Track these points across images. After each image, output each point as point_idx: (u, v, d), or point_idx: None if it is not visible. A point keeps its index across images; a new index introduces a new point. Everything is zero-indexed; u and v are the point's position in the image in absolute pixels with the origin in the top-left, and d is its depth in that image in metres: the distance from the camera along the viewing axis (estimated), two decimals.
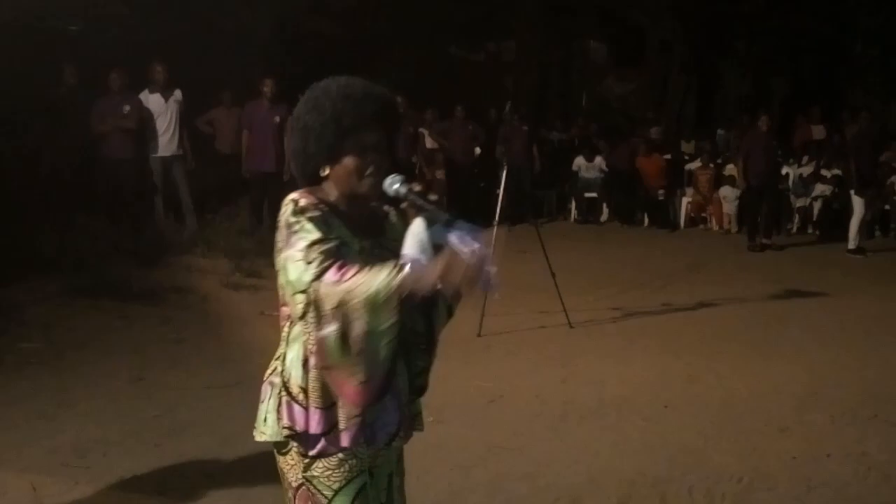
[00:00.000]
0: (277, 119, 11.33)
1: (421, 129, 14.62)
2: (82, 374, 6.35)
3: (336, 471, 2.45)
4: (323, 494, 2.45)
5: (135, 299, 8.24)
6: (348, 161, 2.47)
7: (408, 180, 2.47)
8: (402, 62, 17.98)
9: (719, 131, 17.95)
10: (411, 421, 2.59)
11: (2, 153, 10.54)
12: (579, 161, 15.88)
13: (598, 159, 15.84)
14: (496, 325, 7.72)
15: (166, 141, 11.03)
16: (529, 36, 20.38)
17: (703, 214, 14.99)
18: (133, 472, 4.72)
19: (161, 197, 11.10)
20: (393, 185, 2.45)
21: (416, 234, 2.39)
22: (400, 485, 2.68)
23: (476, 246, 2.32)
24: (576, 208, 15.82)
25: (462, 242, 2.33)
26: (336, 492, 2.45)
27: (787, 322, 8.45)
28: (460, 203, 14.85)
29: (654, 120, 18.50)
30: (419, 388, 2.61)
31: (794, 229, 14.45)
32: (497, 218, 8.09)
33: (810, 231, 14.25)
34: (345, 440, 2.40)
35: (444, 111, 15.23)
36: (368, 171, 2.48)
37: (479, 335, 7.60)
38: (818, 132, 16.26)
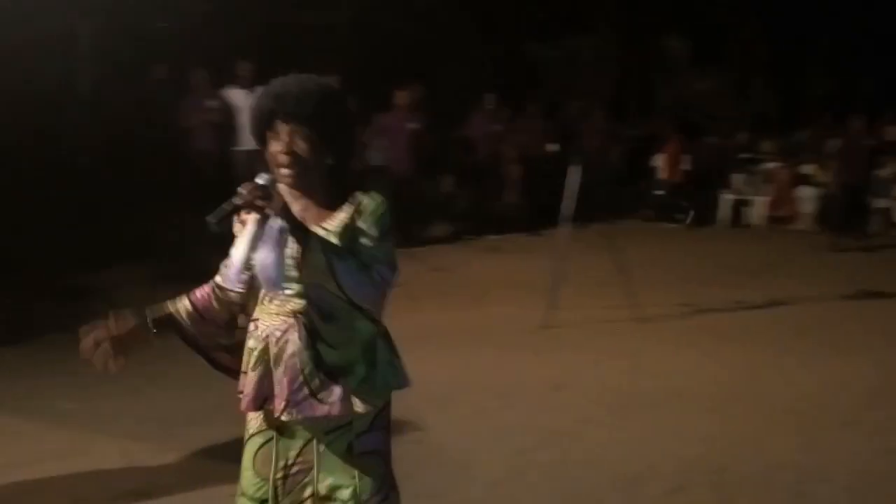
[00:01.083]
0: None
1: (496, 126, 14.80)
2: (169, 353, 6.64)
3: (250, 422, 2.81)
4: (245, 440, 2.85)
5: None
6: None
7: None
8: (479, 60, 18.17)
9: (799, 131, 17.78)
10: (318, 397, 2.70)
11: (95, 146, 11.06)
12: (657, 160, 15.90)
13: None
14: (564, 317, 7.92)
15: (249, 135, 11.40)
16: (607, 32, 20.39)
17: (781, 214, 14.92)
18: (215, 442, 5.00)
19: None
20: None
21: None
22: (337, 453, 2.77)
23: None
24: (652, 206, 15.85)
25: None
26: (247, 439, 2.83)
27: (860, 321, 8.48)
28: (534, 199, 15.06)
29: (735, 118, 18.39)
30: (328, 369, 2.72)
31: (874, 230, 14.30)
32: (566, 214, 8.24)
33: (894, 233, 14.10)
34: (242, 403, 2.76)
35: (520, 108, 15.40)
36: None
37: (547, 326, 7.80)
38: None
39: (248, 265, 2.67)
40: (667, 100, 22.48)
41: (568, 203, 8.30)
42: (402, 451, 4.93)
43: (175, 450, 4.94)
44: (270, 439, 2.77)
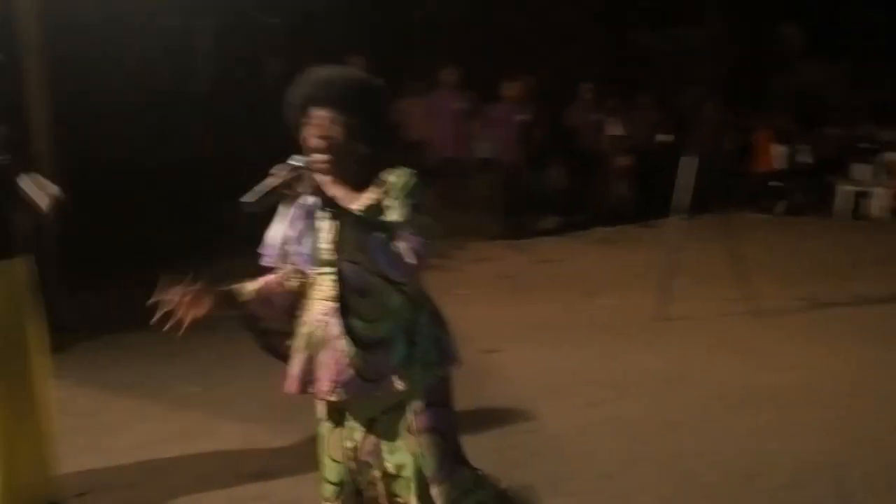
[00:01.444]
0: (463, 106, 11.79)
1: (605, 116, 14.70)
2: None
3: (318, 410, 2.99)
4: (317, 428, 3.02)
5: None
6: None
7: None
8: (589, 51, 18.05)
9: None
10: (364, 376, 2.79)
11: (212, 141, 11.39)
12: (772, 151, 15.57)
13: (792, 149, 15.46)
14: (679, 309, 7.83)
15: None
16: (719, 21, 20.00)
17: None
18: None
19: None
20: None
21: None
22: (396, 433, 2.87)
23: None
24: (767, 197, 15.54)
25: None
26: (319, 427, 3.00)
27: None
28: (644, 190, 14.92)
29: (853, 107, 17.85)
30: (365, 345, 2.80)
31: None
32: (679, 205, 8.15)
33: None
34: (286, 383, 2.91)
35: (631, 98, 15.26)
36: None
37: (661, 319, 7.74)
38: None
39: (284, 244, 2.78)
40: (782, 89, 21.98)
41: (681, 194, 8.20)
42: (516, 441, 5.05)
43: (294, 433, 5.07)
44: (337, 425, 2.93)
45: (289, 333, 2.96)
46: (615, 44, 19.24)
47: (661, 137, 15.12)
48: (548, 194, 14.23)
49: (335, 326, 2.79)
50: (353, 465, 2.91)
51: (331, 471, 2.97)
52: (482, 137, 13.03)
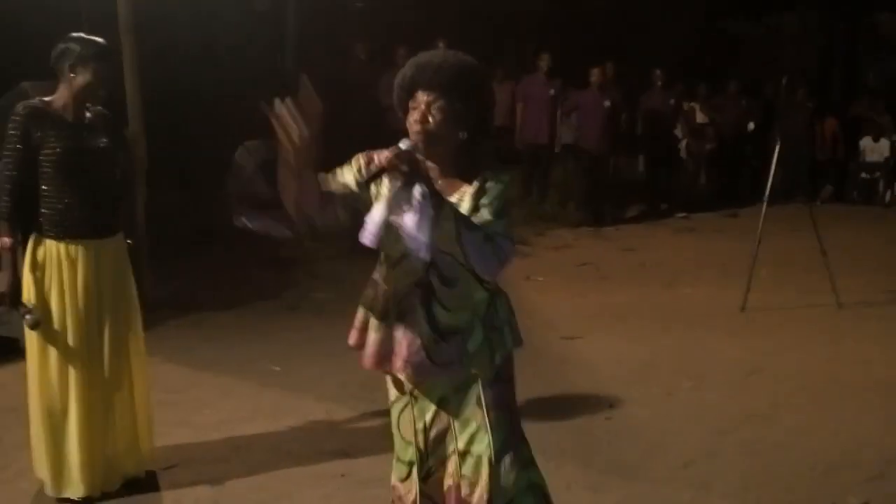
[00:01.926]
0: (552, 92, 11.73)
1: (692, 103, 14.52)
2: None
3: (390, 390, 3.06)
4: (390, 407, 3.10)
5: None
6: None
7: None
8: (678, 37, 17.84)
9: None
10: (434, 360, 2.84)
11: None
12: (865, 142, 15.21)
13: (884, 142, 15.09)
14: (762, 301, 7.73)
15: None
16: (811, 8, 19.60)
17: None
18: None
19: None
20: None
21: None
22: (469, 411, 2.92)
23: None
24: (857, 189, 15.21)
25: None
26: (391, 406, 3.07)
27: None
28: (729, 179, 14.72)
29: None
30: (442, 332, 2.85)
31: None
32: (767, 195, 8.03)
33: None
34: (363, 359, 2.98)
35: (719, 86, 15.04)
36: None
37: (742, 309, 7.65)
38: None
39: (385, 226, 2.73)
40: (875, 79, 21.43)
41: (768, 183, 8.07)
42: (593, 426, 5.07)
43: (374, 412, 5.15)
44: (408, 404, 2.99)
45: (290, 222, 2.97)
46: (705, 31, 19.00)
47: (748, 126, 14.88)
48: (633, 181, 14.14)
49: (413, 307, 2.85)
50: (423, 444, 2.97)
51: (403, 451, 3.03)
52: (567, 124, 12.99)
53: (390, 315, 2.90)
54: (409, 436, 2.99)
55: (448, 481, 2.97)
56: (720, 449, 4.84)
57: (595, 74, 12.15)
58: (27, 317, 3.94)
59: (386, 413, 5.14)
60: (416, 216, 2.67)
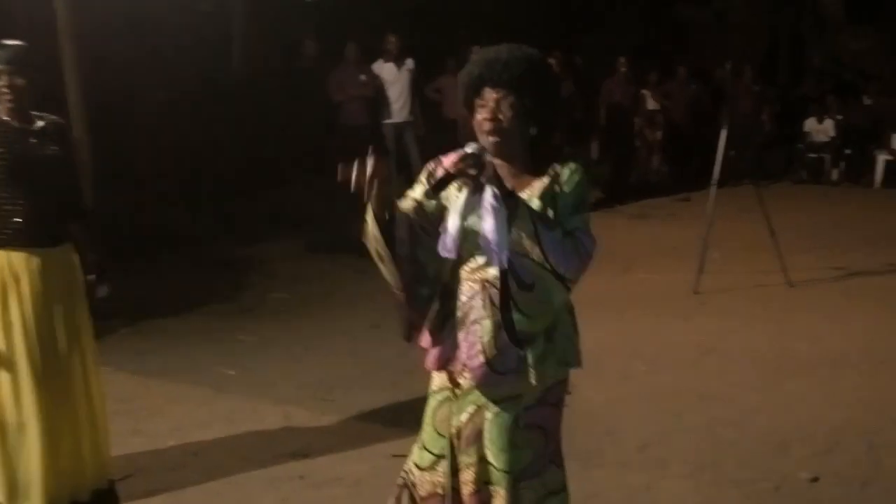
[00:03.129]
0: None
1: (643, 90, 14.62)
2: (325, 321, 6.99)
3: (433, 380, 2.96)
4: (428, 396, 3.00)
5: (370, 255, 8.86)
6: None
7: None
8: (628, 24, 17.94)
9: None
10: (494, 367, 2.77)
11: (249, 121, 11.48)
12: (810, 123, 15.42)
13: (829, 122, 15.30)
14: (713, 282, 7.83)
15: (399, 108, 11.63)
16: None
17: None
18: (371, 406, 5.25)
19: (393, 161, 11.75)
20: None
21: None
22: (501, 424, 2.83)
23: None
24: (803, 168, 15.42)
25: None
26: (430, 395, 2.97)
27: None
28: (681, 164, 14.84)
29: (892, 77, 17.62)
30: (515, 339, 2.76)
31: None
32: (715, 177, 8.12)
33: None
34: (427, 361, 2.90)
35: (669, 71, 15.15)
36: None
37: (695, 292, 7.74)
38: None
39: (463, 233, 2.70)
40: (820, 59, 21.70)
41: (717, 167, 8.17)
42: None
43: (332, 413, 5.17)
44: (447, 399, 2.90)
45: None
46: (653, 18, 19.11)
47: (697, 110, 15.01)
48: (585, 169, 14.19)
49: (476, 310, 2.77)
50: (455, 441, 2.88)
51: (434, 442, 2.93)
52: None
53: (463, 320, 2.81)
54: (444, 430, 2.90)
55: (471, 486, 2.90)
56: (675, 430, 4.91)
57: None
58: None
59: (344, 412, 5.20)
60: (491, 221, 2.61)
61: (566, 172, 2.76)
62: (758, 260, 8.49)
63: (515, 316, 2.72)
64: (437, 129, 12.33)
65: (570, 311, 2.90)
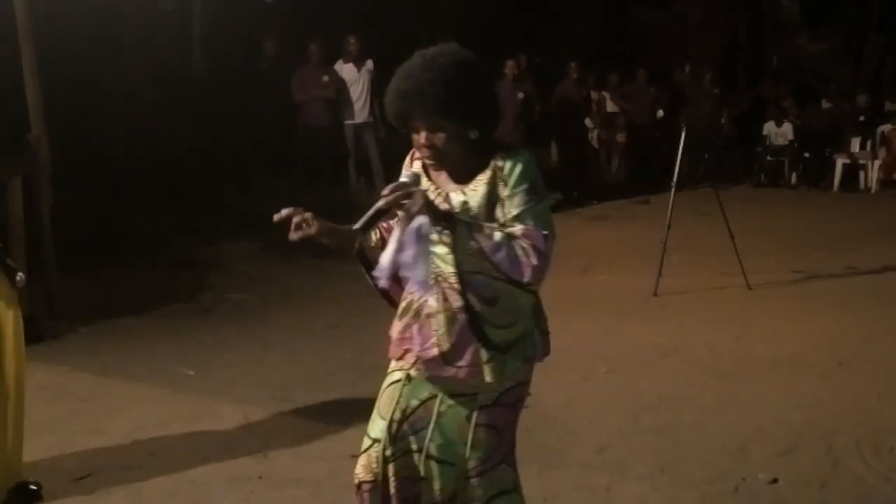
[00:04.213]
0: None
1: (603, 93, 14.71)
2: (284, 321, 6.96)
3: (392, 362, 2.94)
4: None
5: (331, 256, 8.81)
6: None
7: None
8: (586, 26, 18.04)
9: None
10: (447, 359, 2.77)
11: (209, 122, 11.40)
12: (769, 127, 15.59)
13: (787, 125, 15.47)
14: (673, 285, 7.89)
15: (359, 108, 11.62)
16: None
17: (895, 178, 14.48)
18: (331, 406, 5.22)
19: (354, 162, 11.74)
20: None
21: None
22: (453, 416, 2.84)
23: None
24: (762, 172, 15.60)
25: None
26: (388, 372, 2.94)
27: None
28: (640, 166, 14.95)
29: (850, 80, 17.90)
30: (502, 349, 2.78)
31: None
32: (675, 180, 8.19)
33: None
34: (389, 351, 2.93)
35: (628, 74, 15.25)
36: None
37: (655, 294, 7.80)
38: None
39: (395, 267, 2.70)
40: (779, 62, 21.96)
41: (676, 169, 8.23)
42: None
43: (292, 414, 5.14)
44: (399, 381, 2.87)
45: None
46: (614, 21, 19.23)
47: (657, 113, 15.14)
48: (545, 171, 14.24)
49: (429, 305, 2.77)
50: (395, 426, 2.84)
51: (373, 424, 2.89)
52: None
53: (418, 312, 2.81)
54: (385, 413, 2.85)
55: (403, 473, 2.84)
56: (635, 432, 4.93)
57: (509, 66, 12.23)
58: None
59: (304, 412, 5.17)
60: (413, 250, 2.63)
61: (508, 165, 2.70)
62: (717, 262, 8.56)
63: (490, 330, 2.72)
64: (397, 130, 12.32)
65: (534, 305, 2.87)
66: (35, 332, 4.50)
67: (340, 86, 11.53)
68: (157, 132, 11.23)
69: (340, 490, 4.09)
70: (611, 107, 14.85)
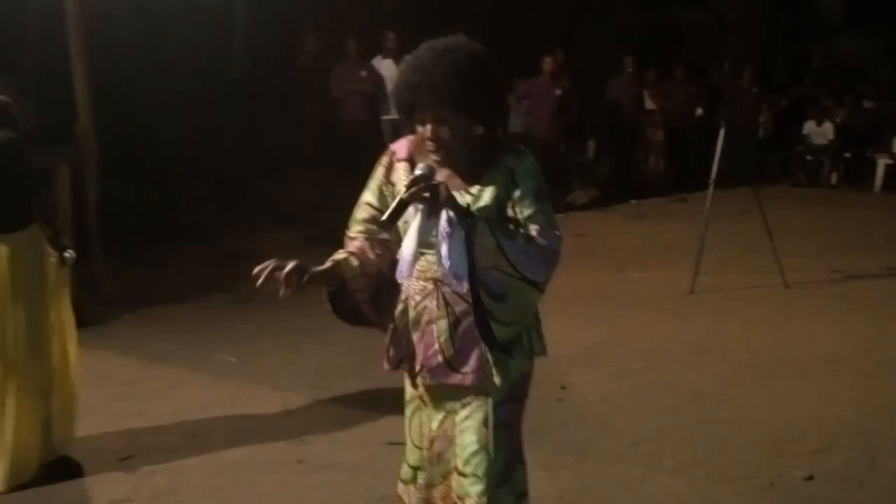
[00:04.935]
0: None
1: (635, 90, 14.68)
2: (322, 311, 6.98)
3: (406, 388, 2.92)
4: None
5: None
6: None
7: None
8: (625, 24, 17.98)
9: None
10: (452, 365, 2.74)
11: (251, 117, 11.54)
12: (809, 126, 15.48)
13: (828, 125, 15.36)
14: (710, 283, 7.89)
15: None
16: None
17: None
18: (368, 394, 5.29)
19: None
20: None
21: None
22: (471, 427, 2.79)
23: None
24: (802, 171, 15.50)
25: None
26: (406, 401, 2.93)
27: None
28: (678, 164, 14.90)
29: (892, 80, 17.69)
30: (498, 347, 2.73)
31: None
32: (712, 179, 8.18)
33: None
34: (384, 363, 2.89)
35: (667, 73, 15.21)
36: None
37: (691, 292, 7.79)
38: None
39: (418, 256, 2.68)
40: (820, 62, 21.78)
41: (714, 166, 8.22)
42: (546, 408, 5.15)
43: (329, 400, 5.23)
44: (419, 408, 2.88)
45: (379, 300, 2.86)
46: (651, 18, 19.16)
47: (696, 111, 15.08)
48: (583, 168, 14.27)
49: (430, 311, 2.74)
50: (428, 453, 2.85)
51: (411, 453, 2.92)
52: (518, 112, 13.09)
53: (407, 316, 2.80)
54: (419, 440, 2.88)
55: (450, 498, 2.84)
56: (669, 427, 4.96)
57: (547, 63, 12.28)
58: None
59: (342, 400, 5.26)
60: (446, 247, 2.60)
61: (520, 167, 2.71)
62: (755, 261, 8.55)
63: (496, 326, 2.69)
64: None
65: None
66: (81, 317, 4.60)
67: (378, 81, 11.61)
68: (200, 126, 11.38)
69: (376, 476, 4.17)
70: (649, 104, 14.80)
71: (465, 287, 2.65)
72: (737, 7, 20.87)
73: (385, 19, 12.57)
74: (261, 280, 2.60)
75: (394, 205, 2.62)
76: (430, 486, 2.86)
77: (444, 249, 2.61)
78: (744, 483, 4.30)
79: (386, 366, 2.88)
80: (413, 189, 2.58)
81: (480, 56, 2.71)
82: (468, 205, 2.68)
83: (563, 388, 5.50)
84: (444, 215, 2.58)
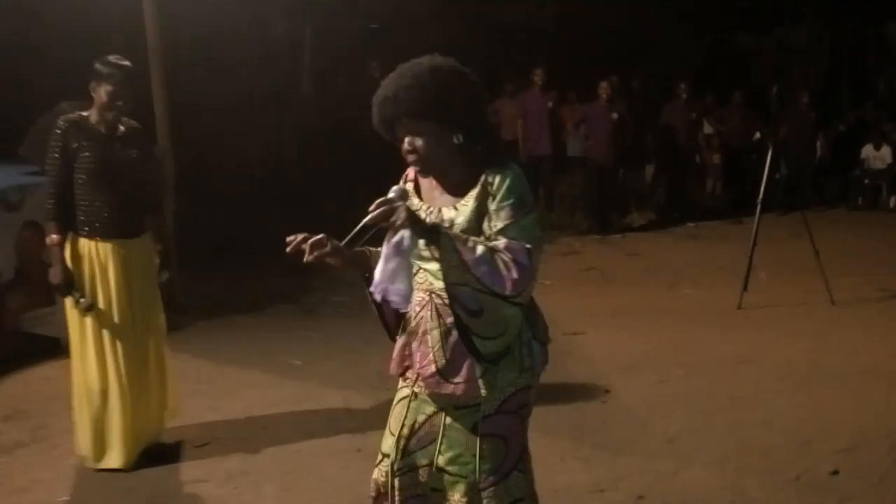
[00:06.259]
0: (550, 105, 12.29)
1: (690, 114, 14.91)
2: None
3: (400, 379, 3.00)
4: None
5: None
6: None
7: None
8: (687, 51, 18.23)
9: None
10: (445, 375, 2.79)
11: (317, 140, 12.05)
12: (867, 150, 15.55)
13: (886, 149, 15.42)
14: (757, 300, 8.11)
15: None
16: (820, 20, 19.97)
17: None
18: None
19: None
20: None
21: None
22: (458, 429, 2.85)
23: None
24: (859, 195, 15.56)
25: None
26: (398, 389, 3.02)
27: None
28: (736, 187, 15.08)
29: None
30: (493, 360, 2.78)
31: None
32: (760, 197, 8.41)
33: None
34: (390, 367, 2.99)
35: (724, 98, 15.42)
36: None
37: (738, 308, 8.02)
38: None
39: (381, 282, 2.76)
40: (884, 88, 21.74)
41: (762, 185, 8.43)
42: (588, 409, 5.52)
43: (388, 400, 5.56)
44: (406, 397, 2.93)
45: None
46: (714, 44, 19.36)
47: (755, 135, 15.25)
48: (640, 191, 14.55)
49: (425, 321, 2.81)
50: (403, 442, 2.90)
51: (385, 440, 2.97)
52: (576, 136, 13.47)
53: (416, 330, 2.86)
54: (395, 428, 2.93)
55: (409, 489, 2.90)
56: (704, 427, 5.25)
57: (603, 88, 12.61)
58: (81, 301, 4.45)
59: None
60: (382, 265, 2.71)
61: (497, 180, 2.73)
62: (804, 280, 8.72)
63: (478, 341, 2.72)
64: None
65: (528, 316, 2.85)
66: None
67: None
68: (269, 148, 11.92)
69: None
70: (707, 129, 15.04)
71: (405, 305, 2.80)
72: (802, 34, 20.99)
73: (448, 44, 12.99)
74: (290, 247, 2.75)
75: (356, 229, 2.70)
76: (393, 473, 2.90)
77: (379, 265, 2.74)
78: (770, 477, 4.56)
79: (392, 369, 2.96)
80: (376, 212, 2.64)
81: (445, 67, 2.78)
82: (452, 220, 2.75)
83: (606, 391, 5.83)
84: (399, 235, 2.67)
